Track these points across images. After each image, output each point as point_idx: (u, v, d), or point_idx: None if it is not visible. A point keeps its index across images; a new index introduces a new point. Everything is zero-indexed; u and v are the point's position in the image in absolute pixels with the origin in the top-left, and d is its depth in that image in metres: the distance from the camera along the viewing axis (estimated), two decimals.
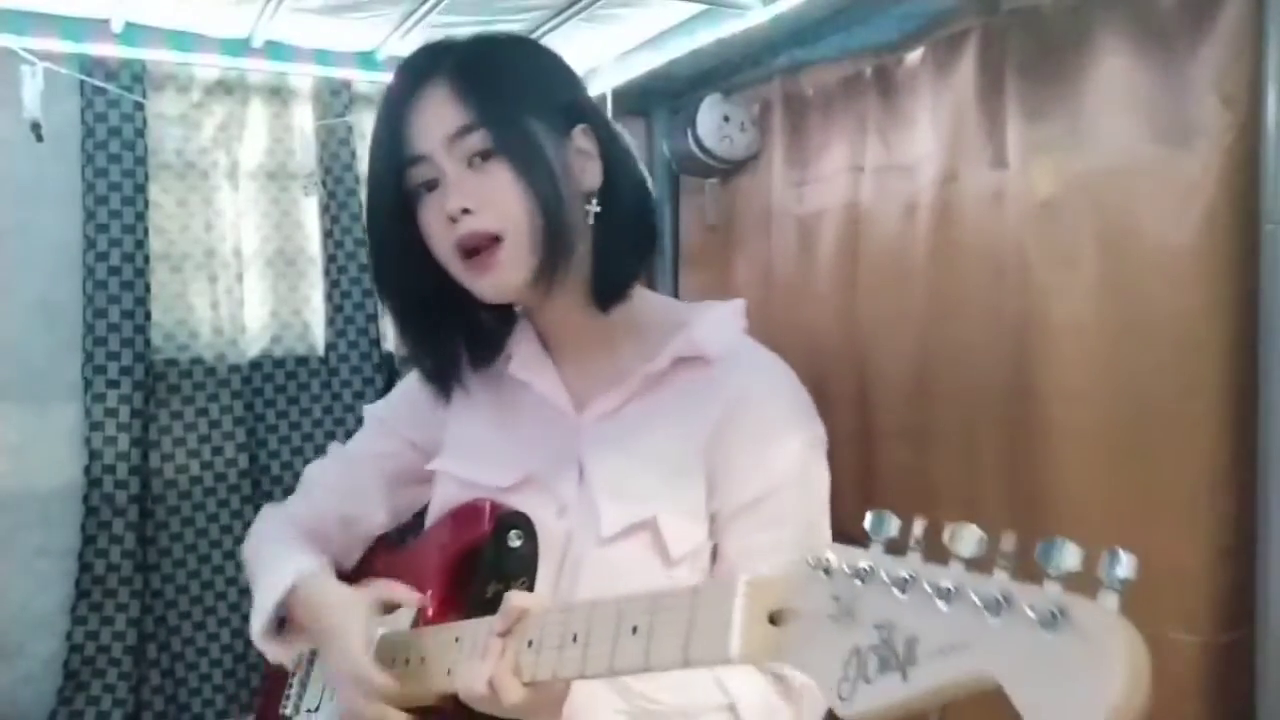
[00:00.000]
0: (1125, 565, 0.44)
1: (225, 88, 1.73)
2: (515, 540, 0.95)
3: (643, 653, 0.67)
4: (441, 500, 1.10)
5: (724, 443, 0.96)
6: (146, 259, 1.65)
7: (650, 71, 1.72)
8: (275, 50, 1.70)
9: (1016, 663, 0.45)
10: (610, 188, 0.99)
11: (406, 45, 1.72)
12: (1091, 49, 1.14)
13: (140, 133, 1.64)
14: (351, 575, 1.14)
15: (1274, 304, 0.97)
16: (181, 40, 1.63)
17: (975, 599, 0.47)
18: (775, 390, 1.00)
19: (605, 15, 1.58)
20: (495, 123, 0.94)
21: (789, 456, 0.95)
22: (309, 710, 1.06)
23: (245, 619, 1.71)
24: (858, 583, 0.54)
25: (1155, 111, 1.08)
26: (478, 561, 0.96)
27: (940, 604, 0.49)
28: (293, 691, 1.10)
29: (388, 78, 1.82)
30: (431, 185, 0.97)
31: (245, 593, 1.72)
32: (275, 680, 1.13)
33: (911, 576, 0.51)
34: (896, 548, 0.53)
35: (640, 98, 1.85)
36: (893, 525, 0.54)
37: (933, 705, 0.50)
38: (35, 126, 1.51)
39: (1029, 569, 0.47)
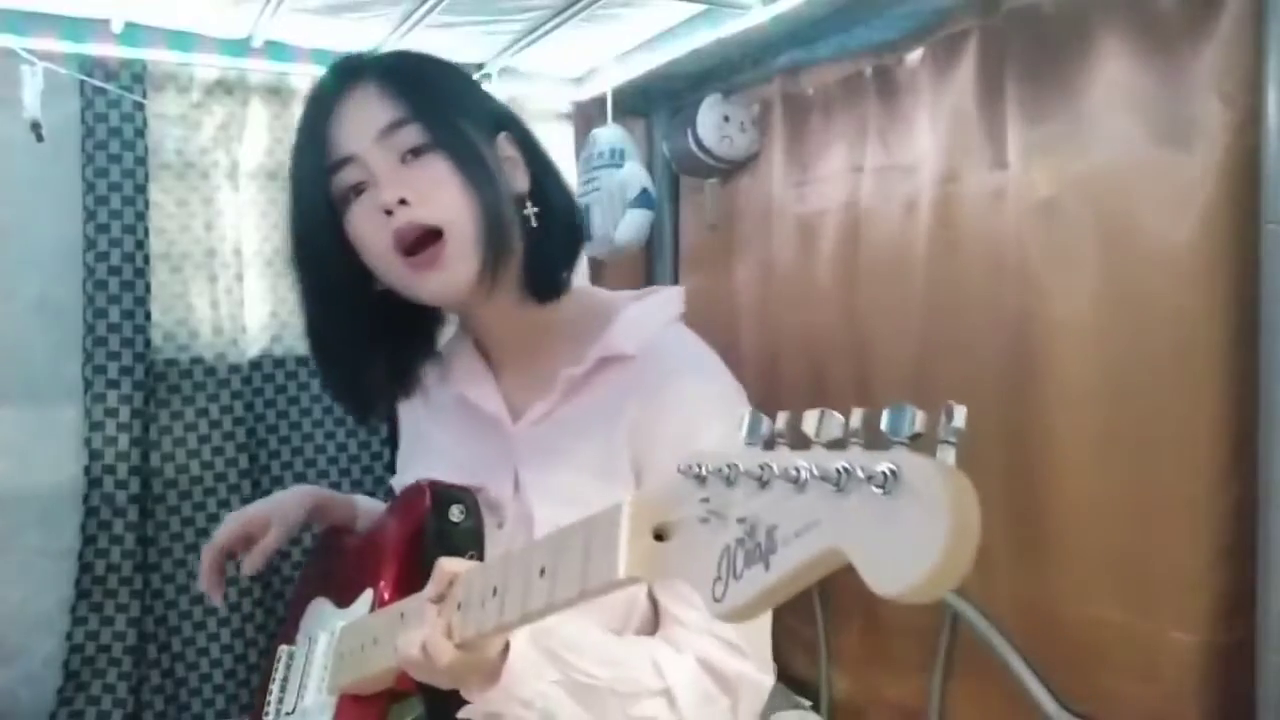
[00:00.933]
0: (958, 417, 0.45)
1: (225, 88, 1.73)
2: (457, 515, 0.96)
3: (548, 592, 0.68)
4: None
5: (645, 437, 0.96)
6: (146, 259, 1.65)
7: (650, 71, 1.72)
8: (275, 50, 1.70)
9: (857, 530, 0.45)
10: (539, 191, 1.00)
11: (406, 45, 1.72)
12: (1091, 49, 1.14)
13: (140, 133, 1.63)
14: (321, 563, 1.23)
15: (1274, 304, 0.97)
16: (181, 40, 1.63)
17: (821, 477, 0.47)
18: (694, 381, 0.99)
19: (605, 15, 1.58)
20: (429, 117, 0.94)
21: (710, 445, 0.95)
22: (286, 714, 1.07)
23: (245, 619, 1.72)
24: (725, 484, 0.54)
25: (1155, 111, 1.08)
26: (423, 541, 0.97)
27: (794, 489, 0.49)
28: (273, 696, 1.11)
29: None
30: (360, 189, 0.95)
31: (245, 592, 1.73)
32: (268, 686, 1.14)
33: (767, 467, 0.51)
34: (769, 445, 0.54)
35: (640, 98, 1.85)
36: (764, 425, 0.54)
37: (796, 589, 0.50)
38: (35, 126, 1.51)
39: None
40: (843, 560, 0.46)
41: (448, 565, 0.82)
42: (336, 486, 1.80)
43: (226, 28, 1.63)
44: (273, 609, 1.78)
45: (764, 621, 0.99)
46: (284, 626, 1.19)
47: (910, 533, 0.43)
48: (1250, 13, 0.99)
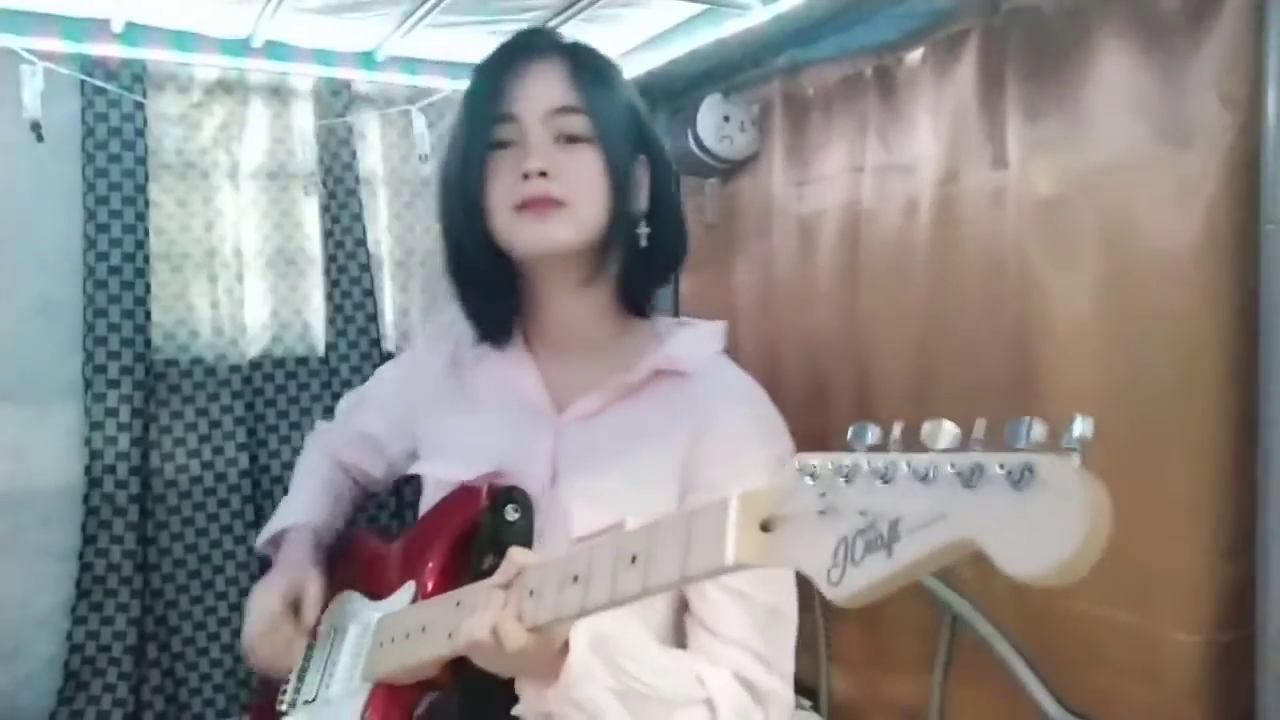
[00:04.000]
0: (1082, 426, 0.49)
1: (225, 88, 1.73)
2: (513, 514, 0.98)
3: (641, 578, 0.70)
4: (426, 501, 1.14)
5: (694, 457, 1.00)
6: (147, 259, 1.65)
7: (650, 71, 1.72)
8: (275, 50, 1.70)
9: (991, 522, 0.48)
10: (654, 217, 1.09)
11: (406, 45, 1.72)
12: (1091, 49, 1.14)
13: (140, 133, 1.64)
14: (349, 560, 1.22)
15: (1274, 304, 0.97)
16: (181, 40, 1.63)
17: (951, 472, 0.50)
18: (744, 408, 1.05)
19: (605, 15, 1.58)
20: (598, 115, 1.02)
21: (754, 472, 0.97)
22: (305, 701, 1.07)
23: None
24: (842, 480, 0.57)
25: (1155, 111, 1.08)
26: (475, 536, 0.99)
27: (919, 485, 0.52)
28: (289, 685, 1.11)
29: (388, 78, 1.83)
30: (505, 144, 1.03)
31: (245, 593, 1.72)
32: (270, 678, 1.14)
33: (892, 465, 0.54)
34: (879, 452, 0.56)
35: (640, 97, 1.85)
36: (873, 432, 0.57)
37: (917, 576, 0.52)
38: (35, 126, 1.51)
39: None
40: (971, 550, 0.49)
41: (518, 556, 0.85)
42: None
43: (226, 28, 1.63)
44: None
45: (789, 640, 1.03)
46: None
47: (1047, 527, 0.46)
48: (1250, 13, 0.99)
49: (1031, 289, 1.21)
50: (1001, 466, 0.48)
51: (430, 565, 1.01)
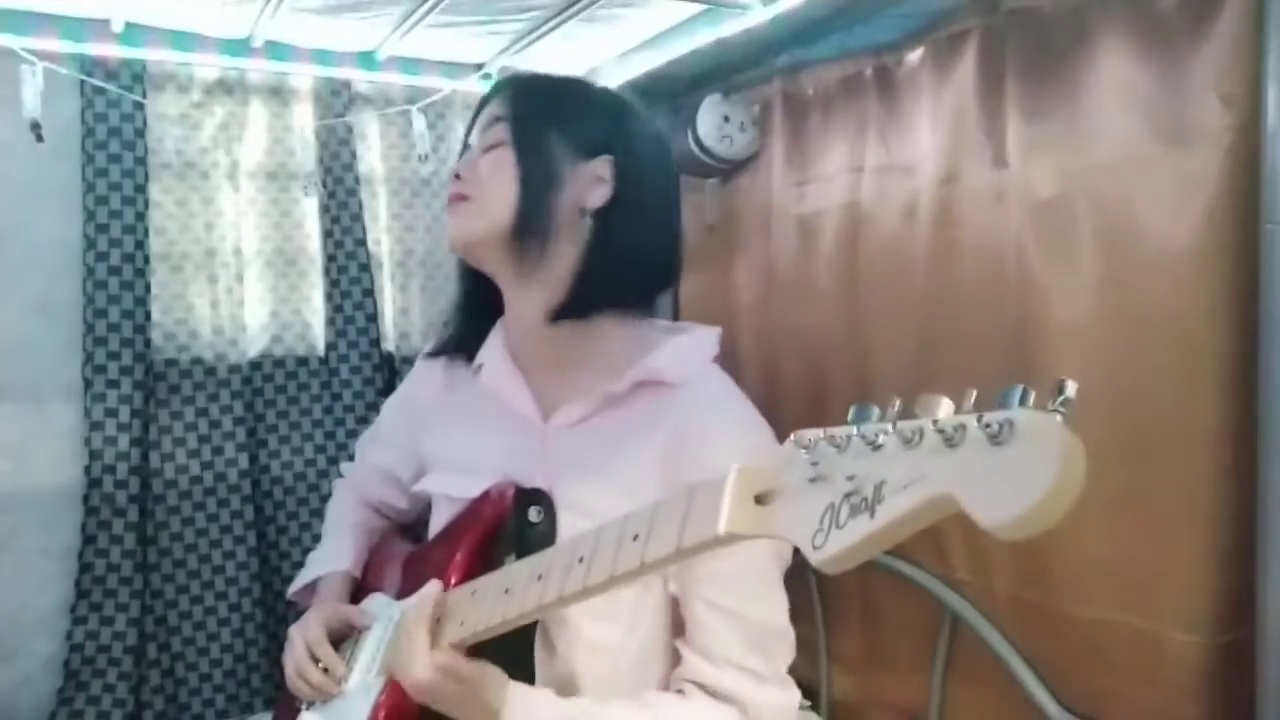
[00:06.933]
0: (1069, 389, 0.49)
1: (225, 88, 1.73)
2: (535, 516, 1.02)
3: (640, 552, 0.72)
4: (437, 515, 1.18)
5: (673, 467, 1.01)
6: (146, 259, 1.65)
7: (650, 71, 1.72)
8: (275, 50, 1.70)
9: (968, 476, 0.49)
10: (612, 216, 1.07)
11: (406, 45, 1.72)
12: (1091, 49, 1.14)
13: (140, 133, 1.64)
14: (377, 563, 1.27)
15: (1274, 304, 0.96)
16: (181, 40, 1.63)
17: (936, 436, 0.51)
18: (725, 420, 1.04)
19: (605, 15, 1.58)
20: (517, 121, 1.08)
21: None
22: (323, 701, 1.12)
23: (245, 619, 1.73)
24: (834, 450, 0.58)
25: (1155, 111, 1.08)
26: (499, 537, 1.03)
27: (905, 448, 0.53)
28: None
29: (388, 78, 1.84)
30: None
31: (245, 592, 1.73)
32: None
33: (881, 432, 0.55)
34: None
35: (640, 98, 1.84)
36: (873, 412, 0.58)
37: (898, 536, 0.53)
38: (35, 126, 1.51)
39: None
40: (953, 506, 0.49)
41: None
42: None
43: (226, 28, 1.63)
44: (273, 608, 1.78)
45: (785, 651, 1.06)
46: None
47: (1020, 470, 0.46)
48: (1250, 13, 0.99)
49: (1031, 289, 1.21)
50: (984, 425, 0.49)
51: (454, 563, 1.04)
